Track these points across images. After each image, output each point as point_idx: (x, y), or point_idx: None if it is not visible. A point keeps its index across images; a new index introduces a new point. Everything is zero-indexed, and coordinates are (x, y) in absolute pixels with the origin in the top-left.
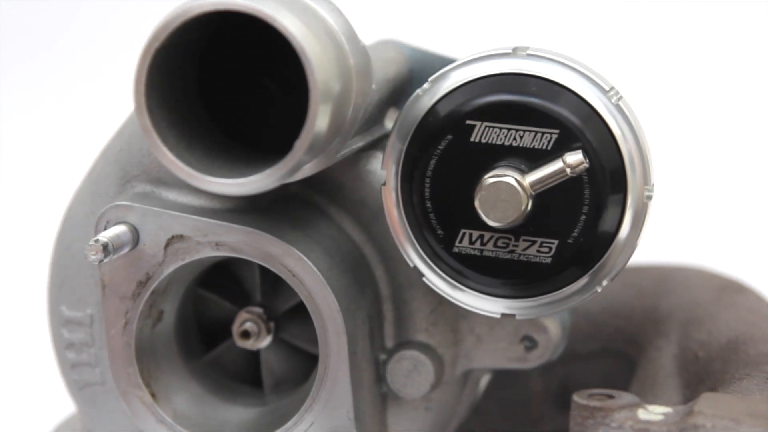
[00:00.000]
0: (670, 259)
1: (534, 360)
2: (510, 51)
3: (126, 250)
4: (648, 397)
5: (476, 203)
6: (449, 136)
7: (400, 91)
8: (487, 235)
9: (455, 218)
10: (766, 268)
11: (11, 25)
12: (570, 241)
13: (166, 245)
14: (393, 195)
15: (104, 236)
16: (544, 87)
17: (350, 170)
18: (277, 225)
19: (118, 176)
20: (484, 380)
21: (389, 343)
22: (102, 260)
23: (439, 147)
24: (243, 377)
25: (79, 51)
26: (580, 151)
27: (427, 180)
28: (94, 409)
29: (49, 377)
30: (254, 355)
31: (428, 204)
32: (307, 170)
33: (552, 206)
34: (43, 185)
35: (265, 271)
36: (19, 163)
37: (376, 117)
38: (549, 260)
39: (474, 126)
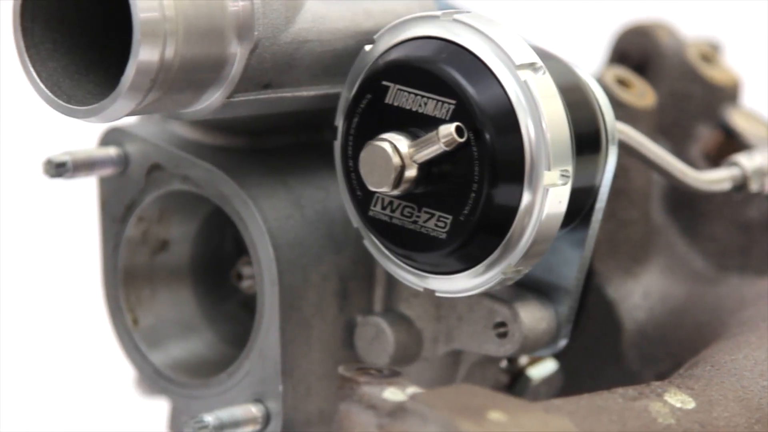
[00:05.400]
0: None
1: (506, 349)
2: (439, 14)
3: (108, 171)
4: None
5: (359, 165)
6: (369, 95)
7: None
8: (395, 203)
9: None
10: None
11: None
12: (461, 218)
13: (147, 173)
14: (337, 150)
15: (69, 154)
16: (456, 55)
17: None
18: (250, 167)
19: None
20: (537, 371)
21: (378, 307)
22: (54, 177)
23: (361, 105)
24: None
25: None
26: (453, 125)
27: (351, 138)
28: None
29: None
30: None
31: (350, 163)
32: (206, 109)
33: (447, 180)
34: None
35: None
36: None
37: (344, 67)
38: (444, 236)
39: (388, 87)
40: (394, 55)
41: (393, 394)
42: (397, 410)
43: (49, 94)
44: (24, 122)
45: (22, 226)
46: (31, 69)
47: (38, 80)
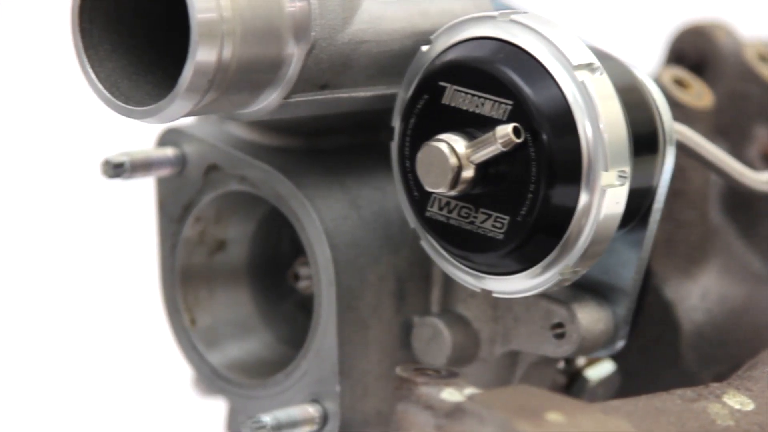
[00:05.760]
0: None
1: (563, 350)
2: (496, 15)
3: (166, 171)
4: None
5: (416, 166)
6: (425, 96)
7: None
8: (452, 203)
9: None
10: None
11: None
12: (519, 219)
13: (205, 173)
14: (394, 151)
15: (127, 155)
16: (513, 55)
17: None
18: (307, 168)
19: None
20: (595, 372)
21: (435, 307)
22: (112, 177)
23: (418, 106)
24: None
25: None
26: (510, 126)
27: (407, 138)
28: None
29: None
30: None
31: (407, 164)
32: (264, 109)
33: (505, 180)
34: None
35: None
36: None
37: (400, 67)
38: (501, 236)
39: (445, 88)
40: (451, 56)
41: (451, 394)
42: (455, 411)
43: (108, 94)
44: (82, 123)
45: (80, 226)
46: (90, 70)
47: (96, 81)
